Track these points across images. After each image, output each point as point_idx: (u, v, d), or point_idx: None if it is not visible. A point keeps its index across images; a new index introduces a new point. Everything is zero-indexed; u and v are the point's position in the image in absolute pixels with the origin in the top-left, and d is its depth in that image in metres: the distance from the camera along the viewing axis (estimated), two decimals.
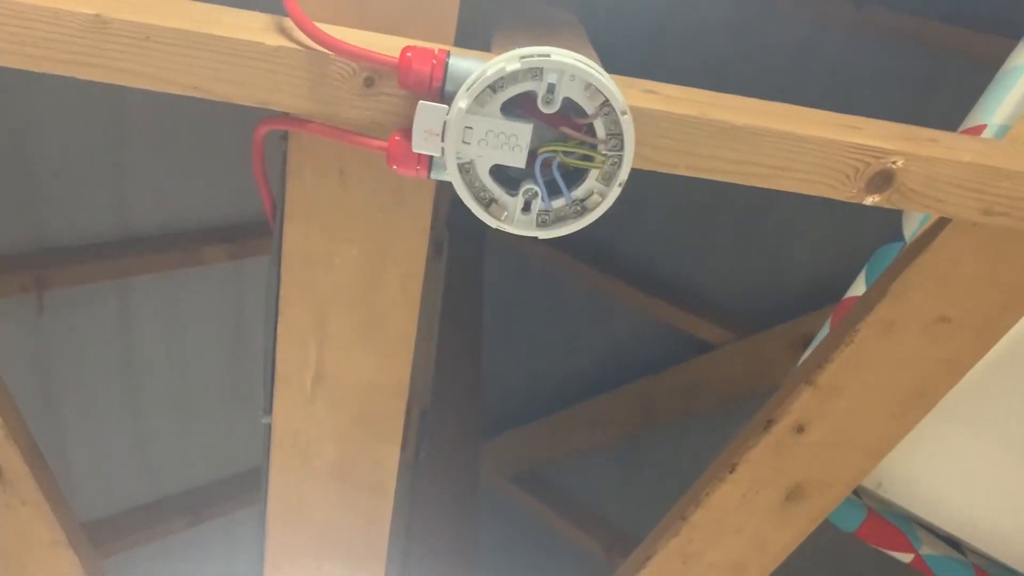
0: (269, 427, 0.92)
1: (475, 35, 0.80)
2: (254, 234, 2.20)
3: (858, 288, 1.01)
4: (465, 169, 0.64)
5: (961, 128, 0.93)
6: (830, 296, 2.10)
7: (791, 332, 2.18)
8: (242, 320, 2.36)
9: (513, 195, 0.66)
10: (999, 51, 1.81)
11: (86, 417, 2.18)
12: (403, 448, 0.95)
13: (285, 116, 0.71)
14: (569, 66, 0.60)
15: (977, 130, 0.91)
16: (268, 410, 0.92)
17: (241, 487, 2.58)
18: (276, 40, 0.66)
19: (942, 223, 0.83)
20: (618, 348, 2.58)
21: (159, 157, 2.01)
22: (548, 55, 0.60)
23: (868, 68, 2.02)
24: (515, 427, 2.79)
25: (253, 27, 0.68)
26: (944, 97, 1.91)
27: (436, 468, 2.06)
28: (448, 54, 0.64)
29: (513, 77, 0.60)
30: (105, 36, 0.64)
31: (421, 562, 1.62)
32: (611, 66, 0.66)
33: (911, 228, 0.95)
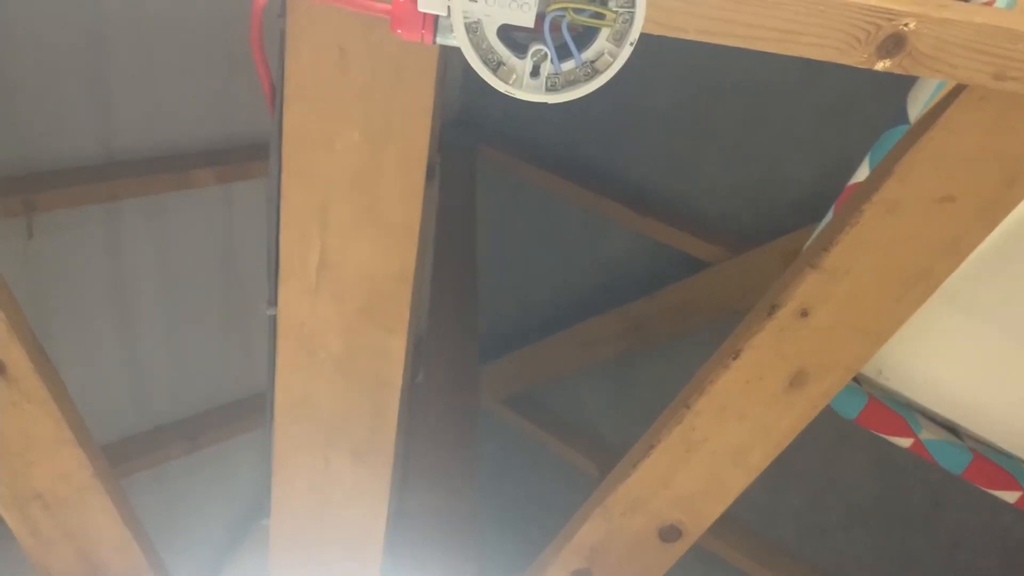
0: (274, 319, 0.92)
1: None
2: (242, 157, 2.17)
3: (862, 173, 1.01)
4: (472, 29, 0.63)
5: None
6: (824, 209, 2.11)
7: (785, 247, 2.18)
8: (231, 244, 2.35)
9: (522, 58, 0.64)
10: None
11: (78, 344, 2.17)
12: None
13: None
14: None
15: (988, 2, 0.89)
16: (273, 301, 0.91)
17: (237, 414, 2.59)
18: None
19: (948, 100, 0.82)
20: (612, 268, 2.59)
21: (144, 79, 1.97)
22: None
23: None
24: (510, 351, 2.81)
25: None
26: None
27: (434, 391, 2.07)
28: None
29: None
30: None
31: (422, 477, 1.64)
32: None
33: (916, 110, 0.95)
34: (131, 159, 2.04)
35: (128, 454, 2.37)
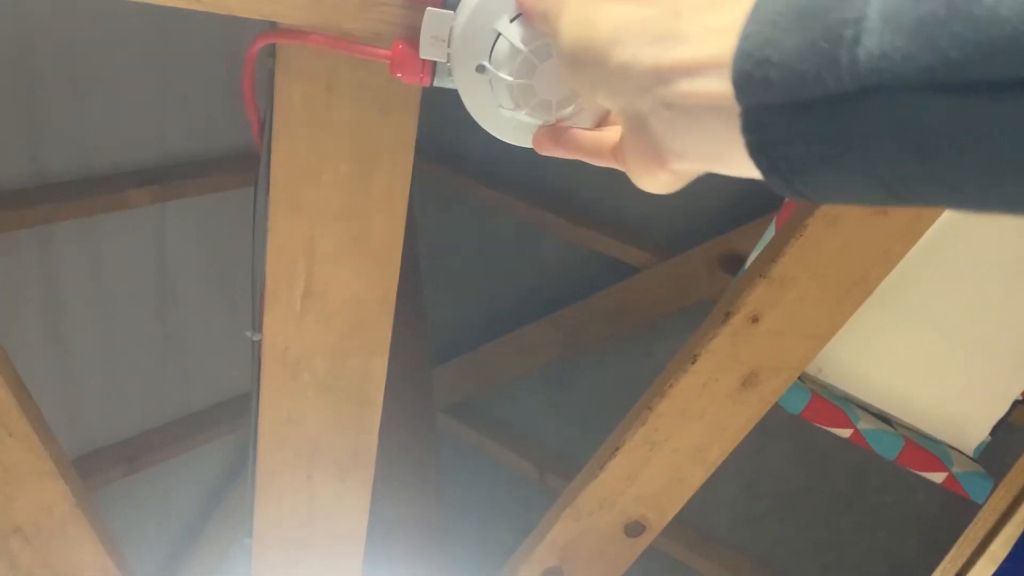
0: (258, 344, 0.95)
1: None
2: (178, 176, 2.16)
3: None
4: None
5: None
6: (746, 215, 2.23)
7: (711, 251, 2.29)
8: (166, 263, 2.32)
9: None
10: None
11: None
12: None
13: (282, 29, 0.73)
14: None
15: None
16: (257, 328, 0.94)
17: (174, 436, 2.56)
18: None
19: None
20: (546, 277, 2.66)
21: (76, 97, 1.94)
22: None
23: None
24: (446, 361, 2.85)
25: None
26: None
27: (390, 399, 2.10)
28: None
29: None
30: None
31: (386, 488, 1.67)
32: None
33: None
34: (64, 180, 2.00)
35: None
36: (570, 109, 0.66)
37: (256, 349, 0.96)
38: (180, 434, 2.56)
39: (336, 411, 1.01)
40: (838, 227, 0.97)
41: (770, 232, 1.13)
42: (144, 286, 2.31)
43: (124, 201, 2.08)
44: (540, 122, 0.67)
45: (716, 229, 2.29)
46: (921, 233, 1.00)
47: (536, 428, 2.87)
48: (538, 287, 2.68)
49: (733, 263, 2.26)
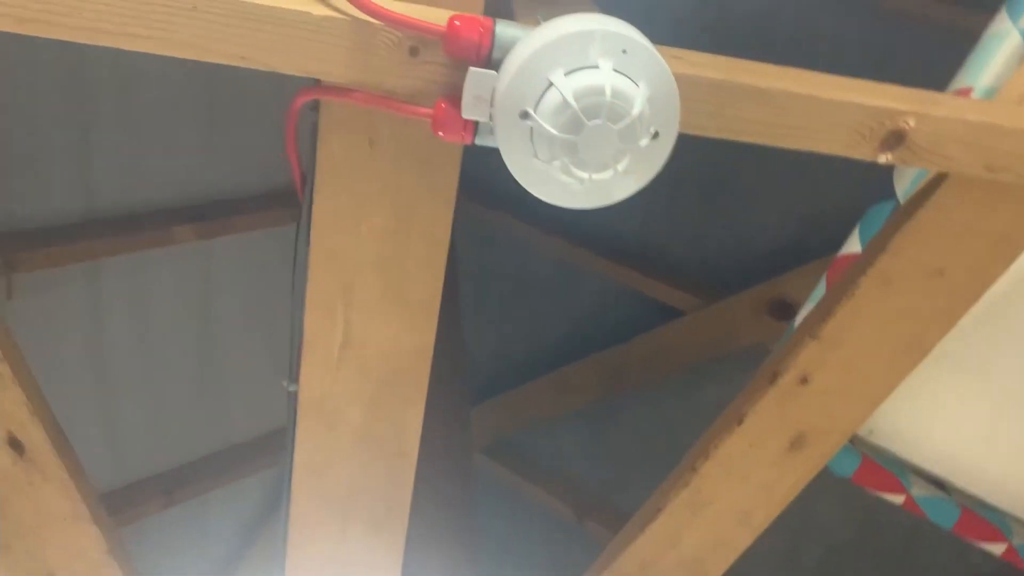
0: (295, 394, 0.94)
1: None
2: (224, 212, 2.18)
3: (852, 246, 1.07)
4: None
5: (948, 90, 0.99)
6: (795, 260, 2.18)
7: (756, 297, 2.25)
8: (209, 298, 2.34)
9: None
10: (953, 18, 1.88)
11: (56, 399, 2.13)
12: None
13: (325, 86, 0.72)
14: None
15: (964, 92, 0.96)
16: (294, 378, 0.93)
17: (213, 468, 2.56)
18: (322, 10, 0.67)
19: (937, 181, 0.88)
20: (587, 316, 2.63)
21: (125, 135, 1.97)
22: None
23: (829, 32, 2.08)
24: (486, 399, 2.83)
25: None
26: (902, 62, 2.00)
27: (428, 438, 2.08)
28: (495, 22, 0.66)
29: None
30: (151, 6, 0.65)
31: (419, 526, 1.64)
32: None
33: (903, 186, 1.01)
34: (112, 216, 2.03)
35: (107, 509, 2.33)
36: (607, 174, 0.64)
37: (292, 399, 0.95)
38: (219, 467, 2.57)
39: (371, 461, 0.99)
40: (892, 288, 0.94)
41: (820, 288, 1.09)
42: (188, 320, 2.33)
43: (170, 237, 2.10)
44: (573, 181, 0.65)
45: (763, 274, 2.25)
46: (981, 293, 0.96)
47: (575, 470, 2.83)
48: (579, 327, 2.66)
49: (780, 309, 2.21)
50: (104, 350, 2.19)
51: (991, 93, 0.95)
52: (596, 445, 2.76)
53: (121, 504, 2.36)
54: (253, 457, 2.62)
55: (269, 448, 2.62)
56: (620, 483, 2.70)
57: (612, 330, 2.55)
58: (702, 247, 2.38)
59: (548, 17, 0.79)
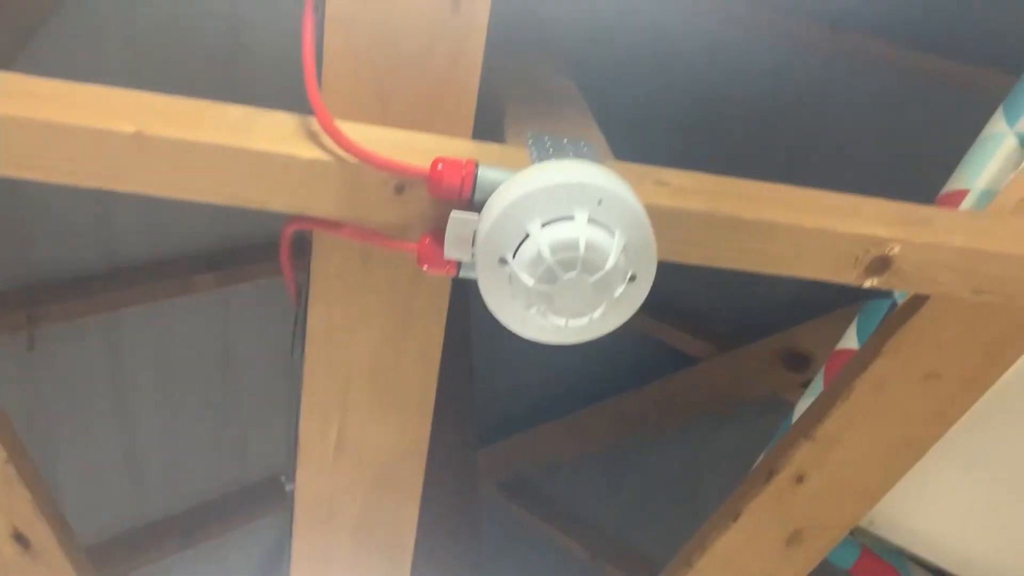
0: (292, 493, 0.95)
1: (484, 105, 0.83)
2: (243, 260, 2.21)
3: (849, 341, 1.06)
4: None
5: (944, 191, 0.99)
6: (811, 311, 2.17)
7: (772, 346, 2.24)
8: (228, 343, 2.38)
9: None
10: (966, 76, 1.87)
11: (77, 450, 2.18)
12: None
13: (316, 218, 0.74)
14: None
15: (960, 194, 0.96)
16: (291, 478, 0.95)
17: (231, 510, 2.59)
18: (310, 152, 0.69)
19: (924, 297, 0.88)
20: (602, 361, 2.63)
21: None
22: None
23: (842, 88, 2.08)
24: (500, 438, 2.83)
25: (285, 134, 0.70)
26: (915, 116, 1.99)
27: (434, 479, 2.09)
28: (476, 165, 0.67)
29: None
30: (144, 153, 0.67)
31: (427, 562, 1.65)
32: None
33: None
34: (133, 266, 2.07)
35: (126, 551, 2.37)
36: (583, 321, 0.65)
37: (290, 499, 0.96)
38: (236, 508, 2.60)
39: (368, 556, 1.01)
40: (886, 391, 0.93)
41: (818, 383, 1.09)
42: (207, 365, 2.36)
43: (191, 286, 2.14)
44: (550, 324, 0.66)
45: (778, 324, 2.24)
46: (979, 395, 0.95)
47: (590, 510, 2.82)
48: (593, 371, 2.66)
49: (793, 360, 2.20)
50: (126, 395, 2.23)
51: (987, 196, 0.95)
52: (610, 485, 2.76)
53: (139, 545, 2.40)
54: (270, 498, 2.64)
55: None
56: (634, 523, 2.69)
57: (627, 375, 2.55)
58: (718, 295, 2.37)
59: (537, 136, 0.81)
